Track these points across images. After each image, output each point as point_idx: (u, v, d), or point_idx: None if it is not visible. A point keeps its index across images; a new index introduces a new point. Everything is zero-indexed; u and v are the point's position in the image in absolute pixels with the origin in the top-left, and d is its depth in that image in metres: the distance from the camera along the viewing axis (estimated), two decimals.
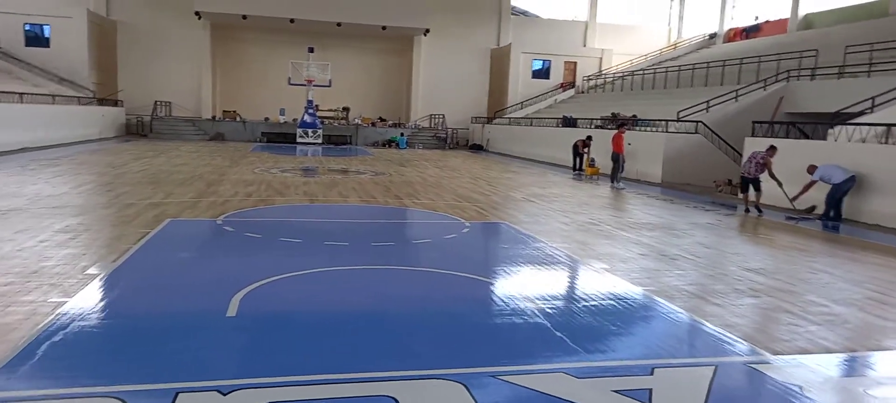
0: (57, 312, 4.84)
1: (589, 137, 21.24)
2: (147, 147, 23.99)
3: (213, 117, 33.64)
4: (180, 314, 5.10)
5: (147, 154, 20.57)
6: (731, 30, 36.46)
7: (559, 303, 5.84)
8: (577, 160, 21.55)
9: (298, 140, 30.67)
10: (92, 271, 6.08)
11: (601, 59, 38.69)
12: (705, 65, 26.96)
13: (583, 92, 36.88)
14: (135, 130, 32.40)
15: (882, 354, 4.86)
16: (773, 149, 12.81)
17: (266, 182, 14.10)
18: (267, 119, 33.62)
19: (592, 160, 20.49)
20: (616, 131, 18.55)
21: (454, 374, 4.04)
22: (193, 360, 4.11)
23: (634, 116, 23.15)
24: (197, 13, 32.88)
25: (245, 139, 31.83)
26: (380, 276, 6.66)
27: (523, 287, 6.37)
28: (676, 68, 29.28)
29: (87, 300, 5.23)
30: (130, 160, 18.12)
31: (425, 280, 6.58)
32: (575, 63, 38.58)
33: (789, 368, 4.44)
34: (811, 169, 12.19)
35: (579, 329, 5.10)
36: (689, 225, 10.81)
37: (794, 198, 12.32)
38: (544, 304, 5.72)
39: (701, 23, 39.61)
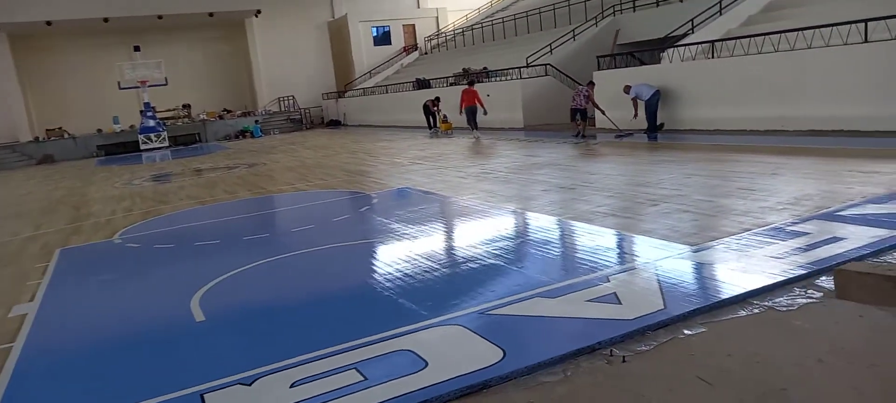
0: (10, 357, 4.53)
1: (437, 98, 22.20)
2: None
3: (37, 138, 30.32)
4: (149, 330, 4.95)
5: None
6: None
7: (501, 244, 6.33)
8: (431, 119, 22.46)
9: (142, 147, 28.58)
10: (16, 313, 5.64)
11: (437, 18, 39.55)
12: (537, 11, 28.54)
13: (426, 53, 37.62)
14: None
15: (768, 228, 5.85)
16: (592, 84, 15.77)
17: (137, 194, 13.26)
18: (100, 130, 30.88)
19: (444, 116, 21.49)
20: (465, 87, 19.65)
21: (449, 318, 4.39)
22: (195, 365, 4.10)
23: (485, 68, 24.19)
24: None
25: (79, 156, 29.10)
26: (324, 256, 6.77)
27: (461, 238, 6.81)
28: (511, 17, 30.74)
29: (37, 338, 4.91)
30: None
31: (370, 250, 6.79)
32: (413, 25, 39.15)
33: (707, 252, 5.28)
34: (626, 88, 14.34)
35: (529, 261, 5.63)
36: (568, 158, 11.80)
37: (635, 116, 14.29)
38: (488, 247, 6.19)
39: None
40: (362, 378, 3.62)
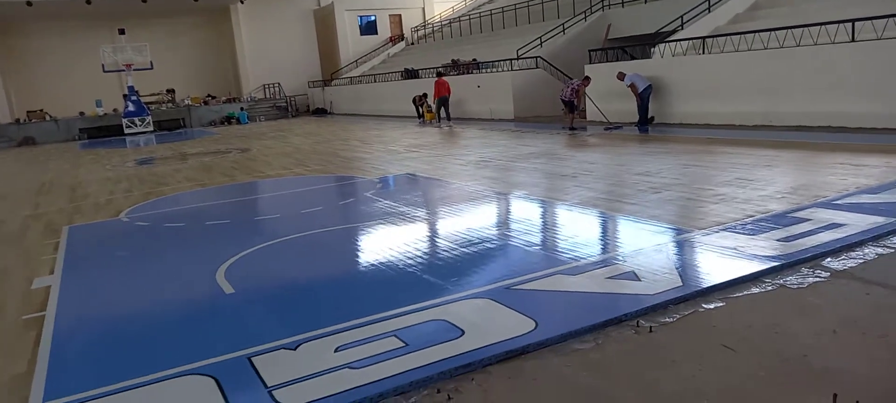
0: (46, 325, 4.62)
1: (425, 94, 22.88)
2: None
3: (18, 120, 29.82)
4: (181, 301, 5.07)
5: None
6: None
7: (514, 226, 6.53)
8: (419, 109, 23.53)
9: (126, 131, 28.29)
10: (39, 285, 5.71)
11: (424, 8, 39.60)
12: (526, 4, 28.77)
13: (413, 43, 37.66)
14: None
15: (771, 214, 6.12)
16: (587, 78, 15.83)
17: (134, 176, 13.23)
18: (82, 113, 30.49)
19: (430, 107, 22.35)
20: (436, 79, 21.03)
21: (477, 293, 4.58)
22: (235, 333, 4.23)
23: (474, 60, 24.36)
24: None
25: (60, 139, 28.74)
26: (338, 236, 6.91)
27: (472, 220, 6.98)
28: (499, 10, 30.91)
29: (67, 307, 4.99)
30: None
31: (384, 230, 6.89)
32: (400, 15, 39.16)
33: (716, 236, 5.52)
34: (621, 75, 14.61)
35: (544, 242, 5.84)
36: (564, 147, 12.04)
37: (640, 105, 14.44)
38: (500, 229, 6.38)
39: None
40: (403, 344, 3.79)
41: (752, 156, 9.30)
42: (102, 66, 28.90)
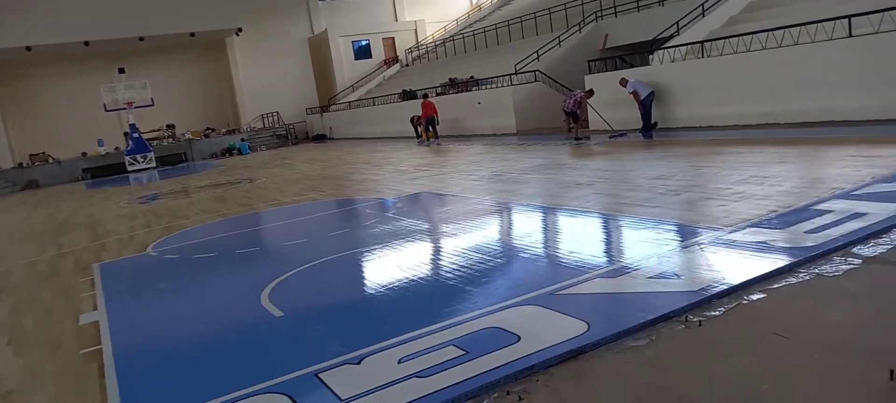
0: (106, 356, 4.75)
1: (420, 116, 23.15)
2: None
3: (20, 164, 29.93)
4: (233, 326, 5.19)
5: None
6: None
7: (538, 236, 6.69)
8: (417, 129, 23.77)
9: (130, 168, 28.42)
10: (86, 320, 5.83)
11: (416, 30, 40.01)
12: (519, 19, 29.16)
13: (408, 65, 38.02)
14: None
15: (793, 209, 6.29)
16: (590, 91, 16.07)
17: (150, 211, 13.36)
18: (84, 154, 30.63)
19: (427, 126, 22.41)
20: (422, 100, 22.06)
21: (523, 300, 4.72)
22: (296, 352, 4.36)
23: (472, 77, 24.64)
24: None
25: (64, 180, 28.84)
26: (371, 256, 7.02)
27: (500, 232, 7.16)
28: (492, 27, 31.31)
29: (122, 340, 5.11)
30: None
31: (415, 247, 7.04)
32: (393, 38, 39.55)
33: (744, 232, 5.68)
34: (623, 81, 14.78)
35: (577, 248, 5.99)
36: (573, 158, 12.23)
37: (642, 112, 14.69)
38: (531, 239, 6.54)
39: None
40: (463, 352, 3.92)
41: (762, 154, 9.50)
42: (104, 105, 29.09)
